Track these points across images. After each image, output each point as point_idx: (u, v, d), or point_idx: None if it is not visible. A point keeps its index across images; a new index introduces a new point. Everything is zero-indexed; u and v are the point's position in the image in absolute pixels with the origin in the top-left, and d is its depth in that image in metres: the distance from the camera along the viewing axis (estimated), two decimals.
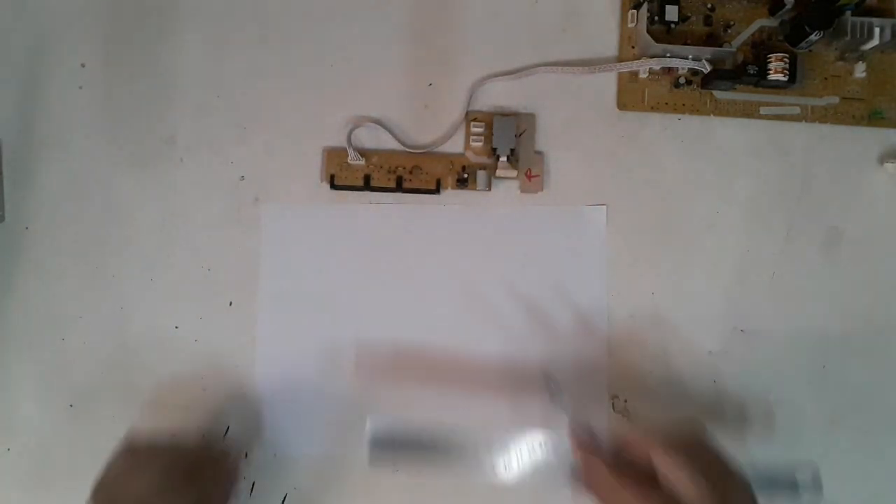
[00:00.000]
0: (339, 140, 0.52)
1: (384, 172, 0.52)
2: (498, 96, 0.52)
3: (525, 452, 0.47)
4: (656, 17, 0.50)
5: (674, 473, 0.40)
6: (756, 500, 0.41)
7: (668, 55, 0.50)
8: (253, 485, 0.50)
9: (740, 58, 0.51)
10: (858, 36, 0.49)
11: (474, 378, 0.51)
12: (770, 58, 0.49)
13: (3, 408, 0.51)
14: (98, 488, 0.42)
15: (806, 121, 0.51)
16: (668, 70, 0.51)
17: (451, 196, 0.52)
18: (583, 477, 0.44)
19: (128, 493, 0.42)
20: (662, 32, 0.51)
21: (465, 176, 0.51)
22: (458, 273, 0.51)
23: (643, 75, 0.52)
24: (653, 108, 0.52)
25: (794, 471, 0.46)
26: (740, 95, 0.51)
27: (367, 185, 0.51)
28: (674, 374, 0.50)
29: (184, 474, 0.43)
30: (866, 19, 0.49)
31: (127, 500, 0.42)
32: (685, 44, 0.51)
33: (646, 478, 0.41)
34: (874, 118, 0.51)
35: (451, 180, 0.52)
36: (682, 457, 0.41)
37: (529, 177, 0.51)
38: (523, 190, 0.52)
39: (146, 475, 0.42)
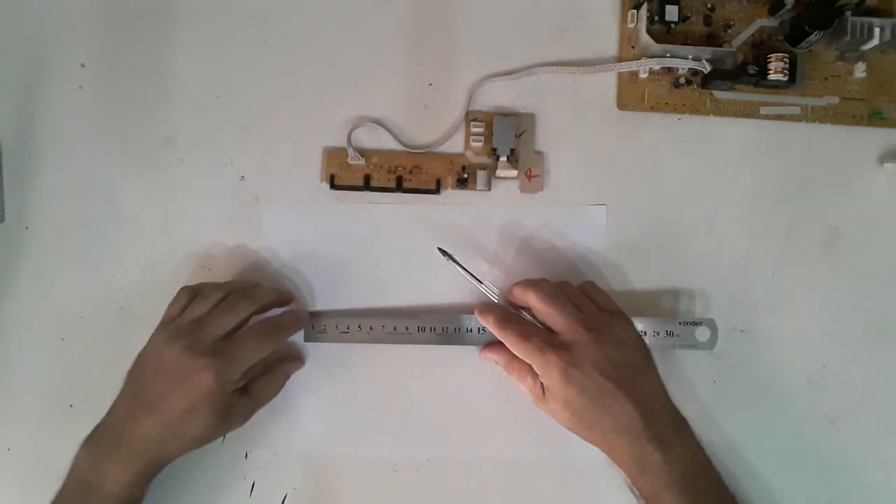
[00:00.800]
0: (339, 140, 0.52)
1: (384, 172, 0.52)
2: (498, 96, 0.52)
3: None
4: (656, 17, 0.50)
5: (544, 309, 0.45)
6: (635, 329, 0.46)
7: (668, 55, 0.50)
8: (253, 485, 0.50)
9: (740, 58, 0.51)
10: (858, 36, 0.49)
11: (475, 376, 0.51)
12: (770, 58, 0.49)
13: (3, 408, 0.51)
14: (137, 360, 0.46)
15: (806, 121, 0.52)
16: (668, 70, 0.51)
17: (451, 196, 0.52)
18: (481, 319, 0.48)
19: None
20: (662, 32, 0.51)
21: (465, 176, 0.51)
22: (458, 273, 0.51)
23: (643, 75, 0.52)
24: (653, 108, 0.52)
25: (694, 325, 0.49)
26: (740, 95, 0.51)
27: (367, 185, 0.51)
28: (674, 374, 0.50)
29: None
30: (866, 19, 0.49)
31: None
32: (685, 44, 0.51)
33: (529, 321, 0.47)
34: (874, 118, 0.51)
35: (451, 180, 0.52)
36: (551, 296, 0.45)
37: (529, 177, 0.51)
38: (523, 190, 0.52)
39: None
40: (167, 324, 0.46)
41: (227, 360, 0.44)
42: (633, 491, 0.45)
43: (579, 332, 0.44)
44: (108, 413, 0.45)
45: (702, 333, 0.50)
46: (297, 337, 0.51)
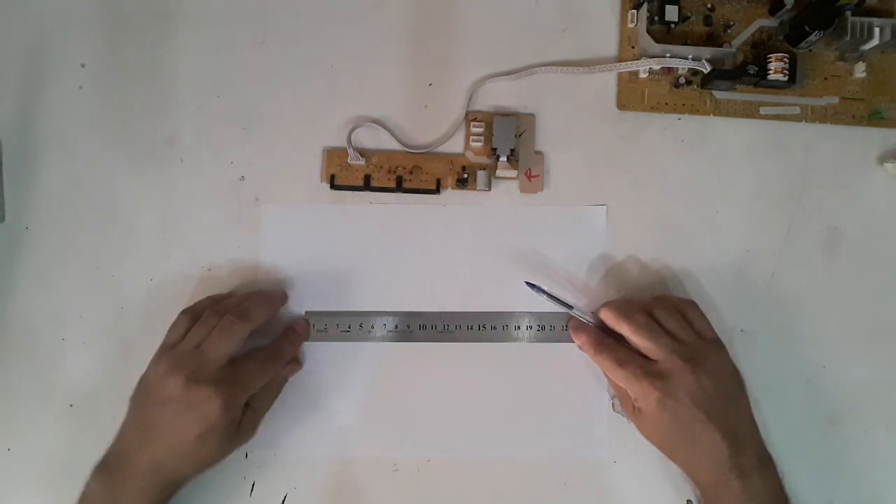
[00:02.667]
0: (339, 140, 0.52)
1: (384, 172, 0.52)
2: (498, 96, 0.52)
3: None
4: (656, 17, 0.50)
5: (639, 341, 0.46)
6: (730, 358, 0.46)
7: (668, 55, 0.50)
8: (253, 485, 0.50)
9: (740, 58, 0.51)
10: (858, 36, 0.49)
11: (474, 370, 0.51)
12: (770, 58, 0.49)
13: (3, 408, 0.51)
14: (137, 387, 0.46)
15: (806, 121, 0.52)
16: (668, 70, 0.51)
17: (451, 196, 0.52)
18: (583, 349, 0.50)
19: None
20: (662, 32, 0.51)
21: (465, 176, 0.51)
22: (458, 273, 0.51)
23: (643, 75, 0.52)
24: (653, 108, 0.52)
25: None
26: (740, 95, 0.51)
27: (367, 185, 0.51)
28: None
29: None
30: (866, 19, 0.49)
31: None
32: (685, 44, 0.51)
33: (623, 345, 0.47)
34: (874, 118, 0.51)
35: (451, 180, 0.52)
36: (644, 327, 0.46)
37: (529, 177, 0.51)
38: (523, 190, 0.52)
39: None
40: (167, 350, 0.46)
41: (233, 388, 0.44)
42: None
43: (676, 362, 0.44)
44: (117, 440, 0.45)
45: None
46: None
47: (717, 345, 0.47)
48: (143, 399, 0.45)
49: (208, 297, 0.49)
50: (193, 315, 0.47)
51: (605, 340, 0.48)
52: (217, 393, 0.43)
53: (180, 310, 0.48)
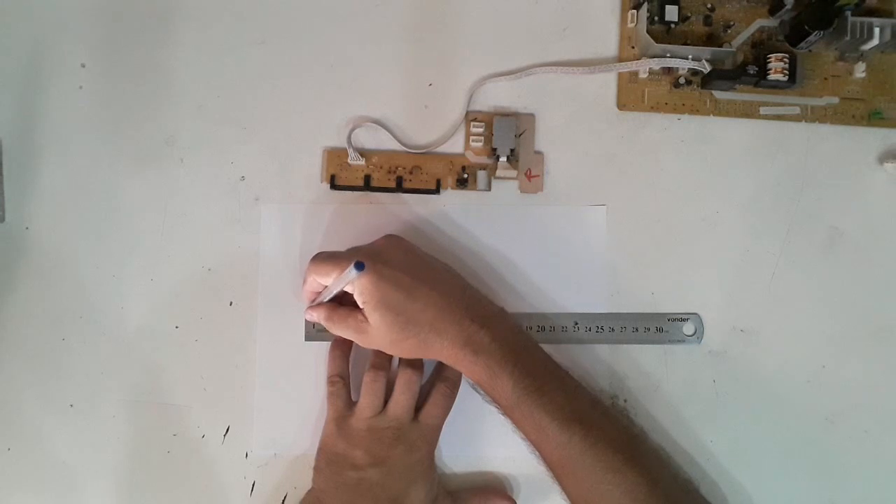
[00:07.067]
0: (339, 140, 0.52)
1: (384, 172, 0.52)
2: (498, 96, 0.53)
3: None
4: (656, 17, 0.50)
5: (361, 301, 0.45)
6: (458, 277, 0.48)
7: (668, 55, 0.50)
8: (253, 485, 0.50)
9: (740, 58, 0.51)
10: (858, 36, 0.49)
11: None
12: (770, 58, 0.49)
13: (3, 408, 0.51)
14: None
15: (806, 121, 0.52)
16: (668, 70, 0.51)
17: (451, 196, 0.52)
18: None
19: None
20: (662, 32, 0.51)
21: (465, 176, 0.51)
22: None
23: (643, 75, 0.52)
24: (653, 108, 0.52)
25: (682, 319, 0.51)
26: (740, 95, 0.51)
27: (367, 185, 0.51)
28: (673, 374, 0.51)
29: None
30: (866, 19, 0.49)
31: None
32: (685, 44, 0.51)
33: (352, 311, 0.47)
34: (874, 118, 0.51)
35: (451, 180, 0.52)
36: (360, 293, 0.45)
37: (529, 177, 0.51)
38: (523, 190, 0.52)
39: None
40: (344, 420, 0.48)
41: (429, 444, 0.47)
42: (476, 389, 0.47)
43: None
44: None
45: (688, 328, 0.50)
46: (299, 337, 0.51)
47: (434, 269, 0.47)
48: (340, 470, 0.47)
49: (334, 356, 0.50)
50: (342, 377, 0.49)
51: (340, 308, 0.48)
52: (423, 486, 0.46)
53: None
